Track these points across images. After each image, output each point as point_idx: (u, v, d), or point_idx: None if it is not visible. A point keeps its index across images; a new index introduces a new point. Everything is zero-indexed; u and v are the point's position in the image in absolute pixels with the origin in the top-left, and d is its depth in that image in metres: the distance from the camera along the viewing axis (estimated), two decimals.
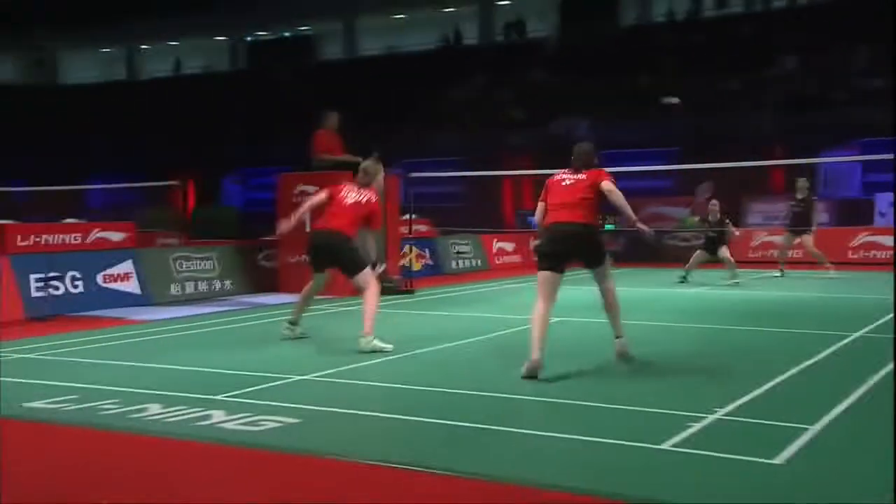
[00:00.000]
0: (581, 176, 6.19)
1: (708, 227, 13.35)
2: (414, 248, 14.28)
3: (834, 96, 22.93)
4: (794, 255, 14.76)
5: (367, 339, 6.88)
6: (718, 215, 13.28)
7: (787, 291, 11.57)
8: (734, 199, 17.84)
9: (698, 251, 13.46)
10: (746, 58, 25.05)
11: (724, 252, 13.09)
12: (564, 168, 6.38)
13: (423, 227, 17.21)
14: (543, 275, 6.03)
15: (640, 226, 6.27)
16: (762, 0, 29.04)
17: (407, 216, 14.17)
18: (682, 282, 12.93)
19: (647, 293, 12.02)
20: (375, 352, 6.78)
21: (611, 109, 25.43)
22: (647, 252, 18.37)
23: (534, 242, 6.53)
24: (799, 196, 13.78)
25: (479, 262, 16.88)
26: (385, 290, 11.90)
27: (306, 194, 11.18)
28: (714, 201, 13.45)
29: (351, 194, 7.31)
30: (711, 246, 13.23)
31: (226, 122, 30.91)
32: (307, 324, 7.93)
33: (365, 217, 7.24)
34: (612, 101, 25.80)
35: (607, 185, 6.09)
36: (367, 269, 7.15)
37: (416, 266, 14.68)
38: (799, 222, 13.61)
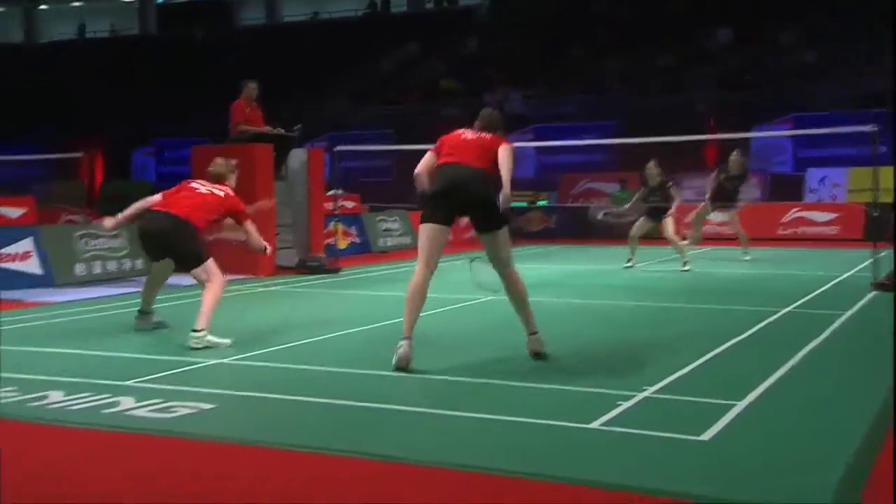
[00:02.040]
0: (484, 135, 5.75)
1: (645, 194, 12.09)
2: (340, 226, 14.19)
3: (766, 70, 23.62)
4: (722, 231, 14.97)
5: (201, 335, 6.34)
6: (658, 179, 11.94)
7: (719, 268, 11.93)
8: (668, 174, 18.22)
9: (638, 220, 12.15)
10: (680, 32, 25.55)
11: (668, 228, 11.83)
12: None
13: (349, 204, 17.09)
14: (428, 228, 5.49)
15: (505, 206, 5.48)
16: None
17: (332, 192, 14.05)
18: (629, 266, 11.83)
19: (579, 270, 12.22)
20: (209, 348, 6.25)
21: (545, 82, 25.63)
22: (580, 229, 18.70)
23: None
24: (732, 172, 13.02)
25: (408, 239, 16.88)
26: (310, 270, 11.86)
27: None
28: (651, 163, 12.10)
29: (205, 187, 6.89)
30: (654, 215, 11.94)
31: (136, 90, 30.02)
32: (238, 304, 7.77)
33: (224, 213, 6.76)
34: (546, 73, 26.00)
35: (504, 149, 5.55)
36: (208, 263, 6.58)
37: (343, 244, 14.60)
38: (726, 198, 13.00)
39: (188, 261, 6.65)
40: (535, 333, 5.77)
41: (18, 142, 26.40)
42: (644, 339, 6.72)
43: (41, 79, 31.65)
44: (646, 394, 4.80)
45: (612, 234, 17.51)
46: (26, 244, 10.38)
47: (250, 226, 6.88)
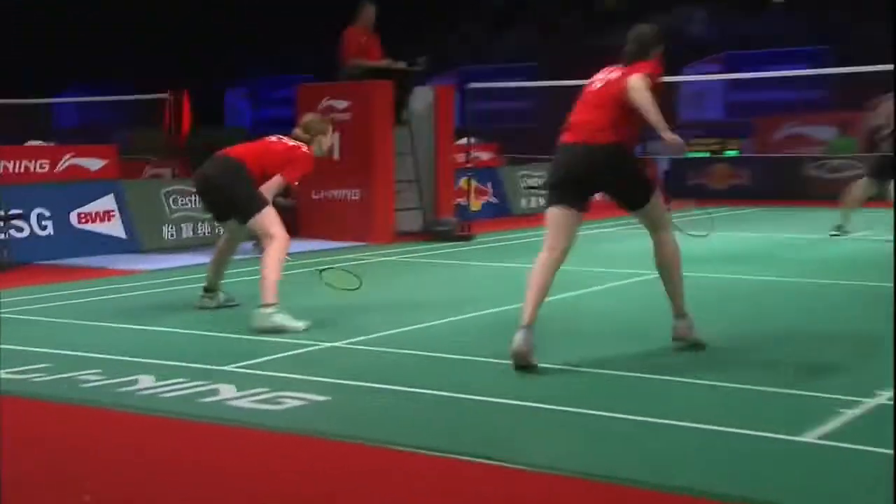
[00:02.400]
0: (616, 74, 5.65)
1: (869, 144, 11.66)
2: (473, 182, 14.27)
3: None
4: None
5: (266, 313, 6.41)
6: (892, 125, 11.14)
7: None
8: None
9: (862, 181, 11.83)
10: None
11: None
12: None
13: (485, 155, 17.15)
14: (550, 213, 5.65)
15: (668, 135, 5.50)
16: None
17: (464, 140, 14.12)
18: (838, 234, 11.62)
19: (782, 240, 11.92)
20: (278, 332, 6.30)
21: None
22: (785, 186, 18.07)
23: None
24: None
25: None
26: (436, 236, 12.01)
27: (333, 110, 11.21)
28: (887, 105, 11.34)
29: (278, 137, 7.19)
30: (881, 172, 11.42)
31: (228, 20, 31.00)
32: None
33: (283, 166, 6.92)
34: None
35: (632, 86, 5.41)
36: (265, 213, 6.71)
37: (476, 205, 14.71)
38: None
39: (238, 209, 6.81)
40: (683, 317, 5.77)
41: (96, 83, 27.83)
42: (873, 329, 6.46)
43: (123, 10, 33.13)
44: (878, 400, 4.64)
45: (828, 193, 16.85)
46: (108, 201, 10.97)
47: (274, 181, 6.87)
